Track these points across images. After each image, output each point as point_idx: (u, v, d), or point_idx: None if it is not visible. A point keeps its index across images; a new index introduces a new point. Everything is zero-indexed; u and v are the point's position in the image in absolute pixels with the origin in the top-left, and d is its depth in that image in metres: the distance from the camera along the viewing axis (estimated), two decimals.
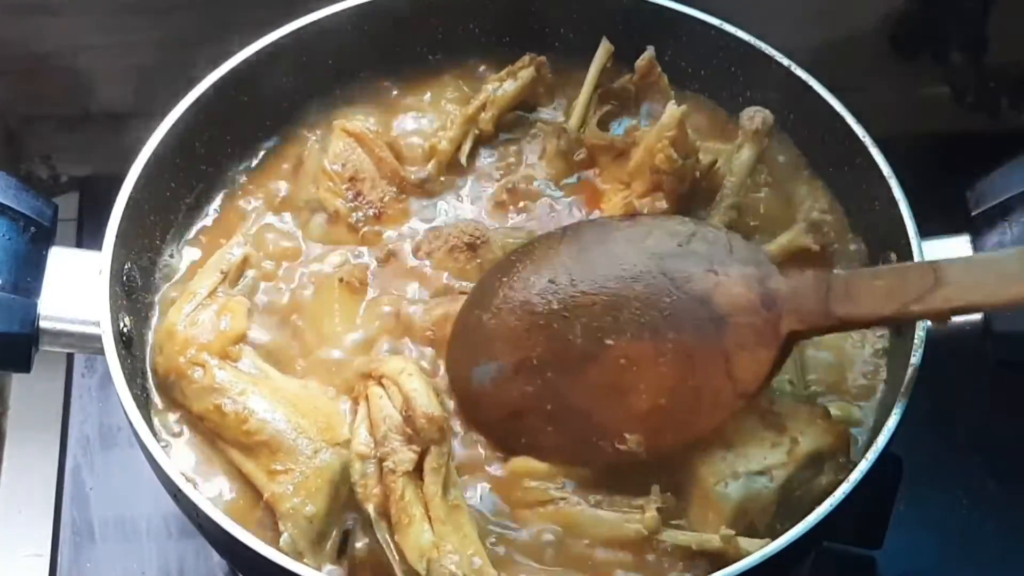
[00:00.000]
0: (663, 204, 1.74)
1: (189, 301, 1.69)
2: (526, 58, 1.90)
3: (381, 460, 1.55)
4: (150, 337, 1.71)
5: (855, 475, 1.53)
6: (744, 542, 1.51)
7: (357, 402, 1.62)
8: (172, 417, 1.65)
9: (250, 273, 1.75)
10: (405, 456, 1.54)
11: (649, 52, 1.87)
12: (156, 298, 1.76)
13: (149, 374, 1.67)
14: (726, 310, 1.54)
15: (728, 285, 1.55)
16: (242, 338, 1.67)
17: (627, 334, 1.58)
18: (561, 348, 1.60)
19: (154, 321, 1.73)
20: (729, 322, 1.53)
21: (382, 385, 1.60)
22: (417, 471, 1.54)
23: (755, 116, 1.80)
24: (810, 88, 1.81)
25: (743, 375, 1.52)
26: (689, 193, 1.76)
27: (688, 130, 1.74)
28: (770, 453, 1.56)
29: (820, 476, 1.57)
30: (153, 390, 1.67)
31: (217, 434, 1.62)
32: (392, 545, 1.53)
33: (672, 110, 1.73)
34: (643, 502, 1.55)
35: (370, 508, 1.55)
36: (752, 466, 1.56)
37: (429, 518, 1.53)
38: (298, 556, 1.52)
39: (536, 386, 1.62)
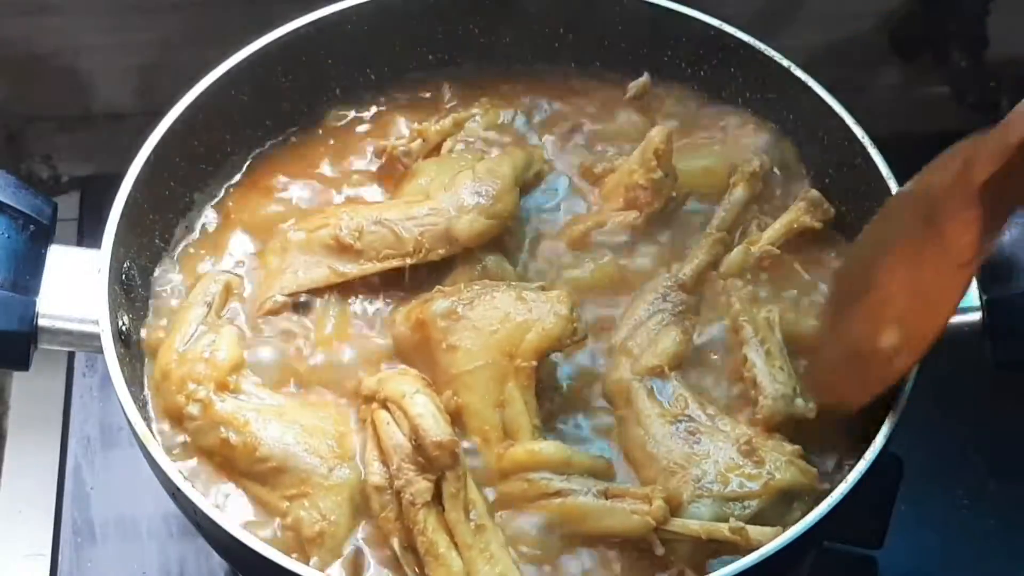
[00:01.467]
0: (638, 222, 1.77)
1: (178, 338, 1.67)
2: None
3: (398, 492, 1.55)
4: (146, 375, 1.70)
5: (854, 475, 1.53)
6: (754, 530, 1.52)
7: (365, 424, 1.61)
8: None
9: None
10: (422, 487, 1.53)
11: (644, 78, 1.89)
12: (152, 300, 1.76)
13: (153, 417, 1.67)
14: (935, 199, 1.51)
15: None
16: (238, 367, 1.66)
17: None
18: None
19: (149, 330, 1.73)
20: (936, 207, 1.49)
21: (387, 409, 1.58)
22: (436, 498, 1.54)
23: (753, 159, 1.82)
24: (810, 88, 1.81)
25: (957, 245, 1.46)
26: (661, 215, 1.78)
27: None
28: (746, 482, 1.57)
29: (790, 513, 1.57)
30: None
31: (230, 466, 1.61)
32: None
33: (660, 127, 1.76)
34: (648, 492, 1.55)
35: (395, 543, 1.55)
36: (727, 492, 1.57)
37: (456, 544, 1.53)
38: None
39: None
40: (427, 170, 1.81)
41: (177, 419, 1.63)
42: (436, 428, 1.54)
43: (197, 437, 1.62)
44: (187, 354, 1.66)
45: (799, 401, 1.64)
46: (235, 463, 1.60)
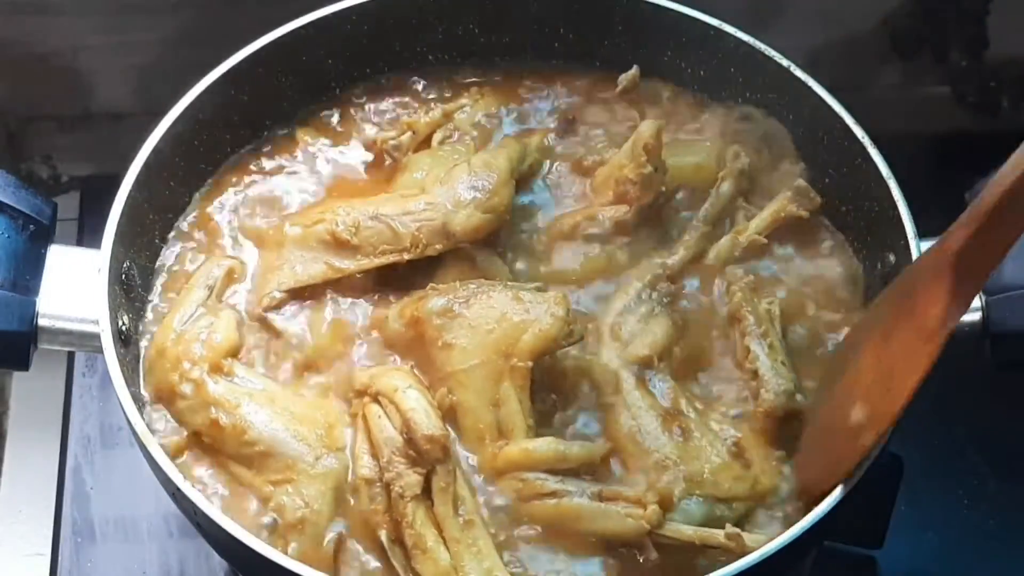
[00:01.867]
0: (628, 215, 1.77)
1: (177, 318, 1.68)
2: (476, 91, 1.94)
3: (387, 485, 1.55)
4: (143, 354, 1.70)
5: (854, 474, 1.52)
6: (749, 538, 1.52)
7: (356, 418, 1.61)
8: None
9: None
10: (412, 480, 1.54)
11: (634, 71, 1.89)
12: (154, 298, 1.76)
13: (145, 397, 1.67)
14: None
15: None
16: (234, 351, 1.67)
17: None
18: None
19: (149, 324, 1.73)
20: (914, 280, 1.51)
21: (379, 403, 1.59)
22: (425, 492, 1.54)
23: (740, 155, 1.83)
24: (809, 88, 1.80)
25: (925, 316, 1.45)
26: (650, 210, 1.78)
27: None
28: (734, 484, 1.59)
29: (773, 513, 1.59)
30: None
31: (217, 449, 1.61)
32: (410, 573, 1.53)
33: (650, 122, 1.75)
34: (641, 495, 1.55)
35: (382, 535, 1.55)
36: (718, 492, 1.58)
37: (443, 539, 1.53)
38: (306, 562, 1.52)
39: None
40: (421, 163, 1.81)
41: (168, 397, 1.64)
42: (427, 422, 1.55)
43: (186, 416, 1.62)
44: (184, 334, 1.66)
45: (800, 397, 1.64)
46: (223, 445, 1.61)
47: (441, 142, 1.85)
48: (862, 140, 1.75)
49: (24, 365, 1.67)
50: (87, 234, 2.19)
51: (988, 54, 2.24)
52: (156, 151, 1.74)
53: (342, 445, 1.61)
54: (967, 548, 1.96)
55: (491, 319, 1.62)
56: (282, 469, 1.58)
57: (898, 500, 1.81)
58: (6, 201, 1.66)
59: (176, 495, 1.55)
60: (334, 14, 1.87)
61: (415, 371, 1.65)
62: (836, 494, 1.51)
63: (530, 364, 1.61)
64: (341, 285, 1.72)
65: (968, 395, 1.99)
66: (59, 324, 1.65)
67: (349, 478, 1.59)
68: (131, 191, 1.70)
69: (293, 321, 1.71)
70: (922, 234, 1.67)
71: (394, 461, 1.55)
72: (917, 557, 1.94)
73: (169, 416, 1.64)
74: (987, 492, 1.99)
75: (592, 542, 1.57)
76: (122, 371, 1.59)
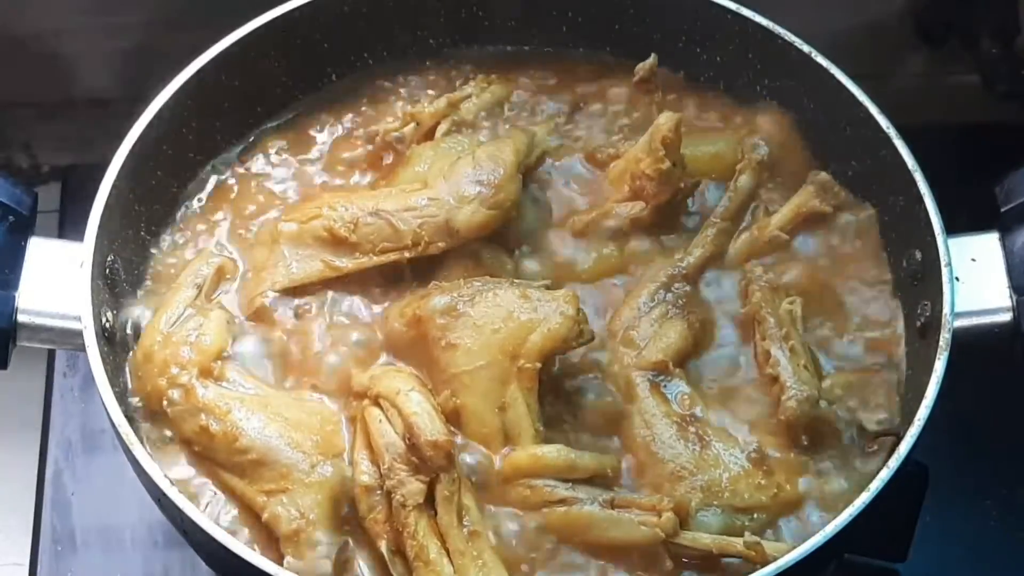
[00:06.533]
0: (644, 213, 1.75)
1: (164, 319, 1.66)
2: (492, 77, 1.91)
3: (388, 493, 1.52)
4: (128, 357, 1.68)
5: (876, 484, 1.51)
6: (770, 546, 1.50)
7: (354, 422, 1.59)
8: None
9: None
10: (414, 488, 1.52)
11: (652, 59, 1.85)
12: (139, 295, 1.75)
13: (133, 400, 1.65)
14: None
15: None
16: (223, 353, 1.65)
17: None
18: None
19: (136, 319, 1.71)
20: None
21: (379, 406, 1.57)
22: (428, 501, 1.52)
23: (760, 146, 1.82)
24: (832, 76, 1.78)
25: None
26: (668, 206, 1.76)
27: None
28: (755, 493, 1.57)
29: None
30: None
31: (208, 456, 1.61)
32: None
33: (668, 114, 1.73)
34: (655, 502, 1.53)
35: (382, 546, 1.52)
36: (737, 501, 1.57)
37: (447, 551, 1.51)
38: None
39: None
40: (423, 156, 1.80)
41: (156, 403, 1.62)
42: (432, 427, 1.52)
43: (176, 423, 1.61)
44: (172, 336, 1.65)
45: (823, 403, 1.62)
46: (214, 453, 1.60)
47: (445, 133, 1.83)
48: (887, 131, 1.74)
49: (2, 363, 1.65)
50: (69, 226, 2.17)
51: (1020, 41, 2.22)
52: (142, 140, 1.74)
53: (340, 451, 1.60)
54: (995, 561, 1.94)
55: (497, 318, 1.60)
56: (276, 478, 1.57)
57: (923, 511, 1.79)
58: None
59: (161, 501, 1.54)
60: None
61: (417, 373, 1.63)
62: (858, 503, 1.49)
63: (538, 365, 1.60)
64: (339, 283, 1.71)
65: (997, 400, 1.98)
66: (39, 320, 1.64)
67: (347, 486, 1.56)
68: (115, 181, 1.71)
69: (288, 322, 1.69)
70: (950, 230, 1.65)
71: (396, 468, 1.53)
72: (943, 571, 1.93)
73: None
74: (1017, 503, 1.98)
75: None
76: (106, 370, 1.57)
